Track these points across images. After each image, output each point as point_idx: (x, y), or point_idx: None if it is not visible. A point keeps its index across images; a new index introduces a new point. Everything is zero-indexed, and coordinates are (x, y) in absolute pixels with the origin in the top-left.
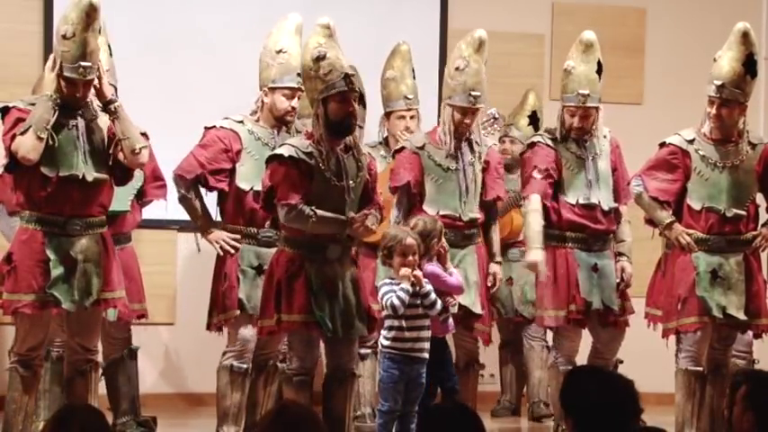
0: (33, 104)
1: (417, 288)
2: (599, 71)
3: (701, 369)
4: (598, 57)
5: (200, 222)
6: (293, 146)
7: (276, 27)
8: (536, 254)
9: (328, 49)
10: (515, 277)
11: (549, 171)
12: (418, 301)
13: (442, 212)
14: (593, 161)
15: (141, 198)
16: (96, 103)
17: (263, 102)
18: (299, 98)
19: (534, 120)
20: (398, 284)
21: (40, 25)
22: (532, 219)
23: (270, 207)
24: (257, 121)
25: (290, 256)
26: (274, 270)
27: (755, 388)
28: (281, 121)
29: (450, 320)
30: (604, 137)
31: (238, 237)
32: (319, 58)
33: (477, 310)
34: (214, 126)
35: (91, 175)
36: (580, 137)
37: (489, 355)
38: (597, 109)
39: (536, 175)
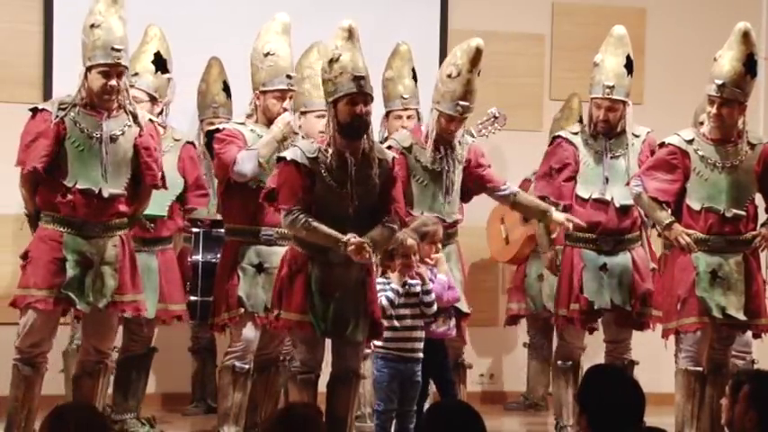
0: (63, 108)
1: (409, 288)
2: (628, 66)
3: (700, 369)
4: (628, 51)
5: None
6: (299, 148)
7: (263, 29)
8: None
9: (344, 51)
10: (546, 273)
11: (564, 169)
12: (414, 300)
13: (426, 214)
14: (615, 158)
15: (183, 205)
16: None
17: (256, 105)
18: (290, 99)
19: None
20: (389, 284)
21: (40, 25)
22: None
23: (272, 205)
24: (255, 122)
25: (295, 254)
26: (282, 266)
27: (758, 387)
28: (273, 124)
29: (452, 324)
30: (636, 136)
31: None
32: (332, 61)
33: (465, 309)
34: (217, 128)
35: (107, 191)
36: (607, 131)
37: (491, 355)
38: (625, 104)
39: (549, 175)
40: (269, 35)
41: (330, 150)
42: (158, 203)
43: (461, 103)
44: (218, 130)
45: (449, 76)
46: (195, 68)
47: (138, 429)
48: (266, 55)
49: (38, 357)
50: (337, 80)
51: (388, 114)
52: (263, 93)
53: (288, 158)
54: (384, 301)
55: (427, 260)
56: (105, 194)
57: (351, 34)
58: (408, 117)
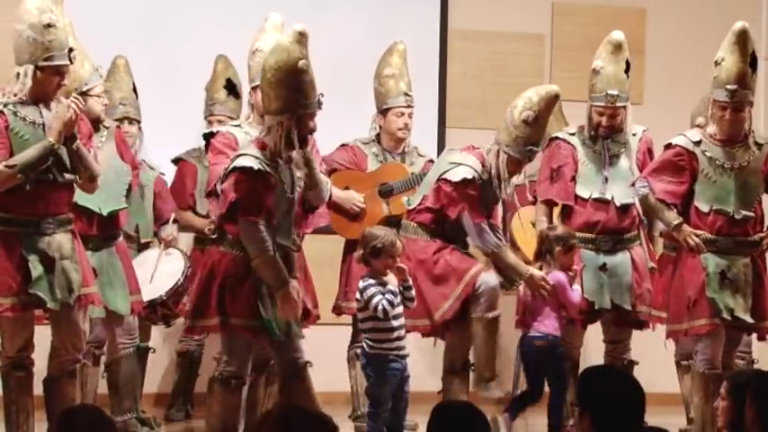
0: (15, 113)
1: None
2: (627, 71)
3: (718, 371)
4: (626, 57)
5: None
6: (256, 157)
7: (259, 28)
8: None
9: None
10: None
11: (565, 169)
12: (398, 299)
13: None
14: (614, 157)
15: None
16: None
17: (251, 102)
18: None
19: None
20: (383, 284)
21: None
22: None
23: (232, 220)
24: (251, 122)
25: (236, 258)
26: (216, 271)
27: (760, 387)
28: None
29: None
30: (633, 134)
31: None
32: (302, 71)
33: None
34: (212, 132)
35: (62, 176)
36: (609, 135)
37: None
38: (625, 107)
39: (551, 177)
40: (260, 33)
41: (277, 157)
42: (115, 197)
43: (534, 148)
44: (212, 135)
45: (524, 121)
46: (195, 68)
47: (137, 430)
48: (254, 52)
49: (26, 360)
50: (310, 96)
51: (384, 111)
52: (254, 89)
53: (254, 168)
54: (386, 305)
55: (569, 271)
56: (60, 179)
57: (305, 39)
58: (409, 115)
